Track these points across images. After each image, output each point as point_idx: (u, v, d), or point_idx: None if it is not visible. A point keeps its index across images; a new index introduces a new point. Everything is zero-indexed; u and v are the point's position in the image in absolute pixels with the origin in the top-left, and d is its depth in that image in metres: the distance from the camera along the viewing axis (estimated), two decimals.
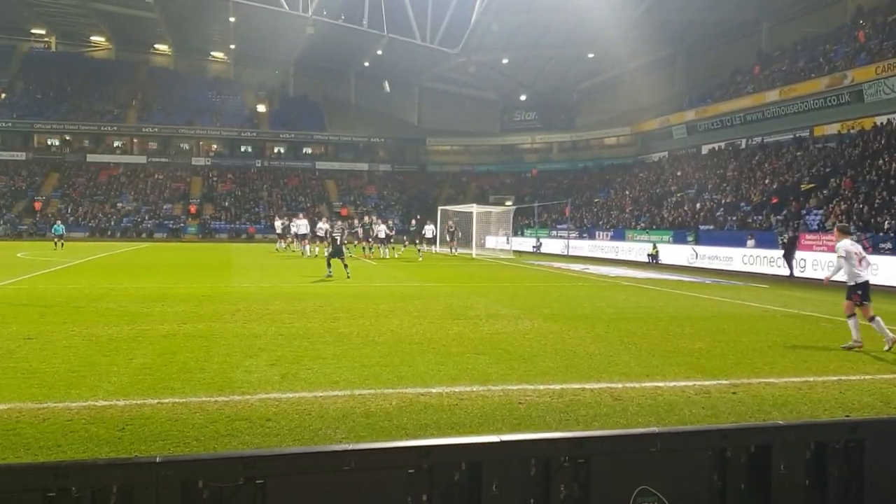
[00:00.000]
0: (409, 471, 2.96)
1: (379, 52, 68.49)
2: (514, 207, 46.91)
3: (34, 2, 67.92)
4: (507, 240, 43.24)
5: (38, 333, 11.14)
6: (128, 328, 11.82)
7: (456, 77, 74.61)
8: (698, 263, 32.82)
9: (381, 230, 35.68)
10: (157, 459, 2.84)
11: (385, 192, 73.98)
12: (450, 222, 41.91)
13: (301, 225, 36.44)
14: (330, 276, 22.20)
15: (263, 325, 12.27)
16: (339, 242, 22.81)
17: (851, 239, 12.01)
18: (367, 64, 74.18)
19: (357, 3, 61.05)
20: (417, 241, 38.44)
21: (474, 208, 41.72)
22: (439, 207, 46.96)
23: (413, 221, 44.54)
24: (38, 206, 62.05)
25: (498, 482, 3.14)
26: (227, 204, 67.82)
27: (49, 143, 72.88)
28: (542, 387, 8.11)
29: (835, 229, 11.92)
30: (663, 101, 60.19)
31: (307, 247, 34.88)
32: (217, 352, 9.91)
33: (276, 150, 77.98)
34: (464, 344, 10.76)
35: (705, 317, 14.77)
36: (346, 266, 22.50)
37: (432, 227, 39.24)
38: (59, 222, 43.78)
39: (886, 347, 10.64)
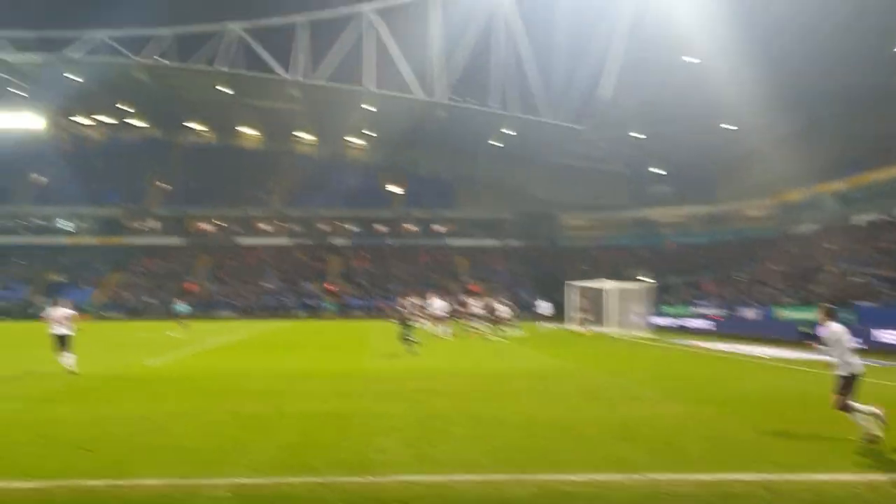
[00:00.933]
0: None
1: (507, 131, 69.80)
2: (651, 283, 45.54)
3: (193, 99, 74.21)
4: (644, 317, 41.88)
5: (188, 410, 11.67)
6: (270, 405, 12.19)
7: (586, 152, 74.64)
8: (859, 342, 30.41)
9: (503, 310, 35.36)
10: None
11: (515, 268, 74.09)
12: (580, 299, 41.17)
13: (435, 304, 36.41)
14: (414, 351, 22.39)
15: (397, 404, 12.32)
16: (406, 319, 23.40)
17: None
18: (496, 143, 75.68)
19: (485, 84, 62.86)
20: (538, 320, 37.70)
21: (607, 284, 40.84)
22: (568, 282, 46.33)
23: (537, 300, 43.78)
24: (191, 287, 66.28)
25: None
26: (362, 281, 69.94)
27: (203, 228, 78.31)
28: (689, 476, 7.63)
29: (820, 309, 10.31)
30: (808, 170, 57.56)
31: (440, 327, 34.52)
32: (353, 431, 10.01)
33: (408, 229, 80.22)
34: (602, 428, 10.36)
35: (876, 403, 13.60)
36: (412, 343, 22.63)
37: (548, 304, 38.28)
38: (181, 302, 45.57)
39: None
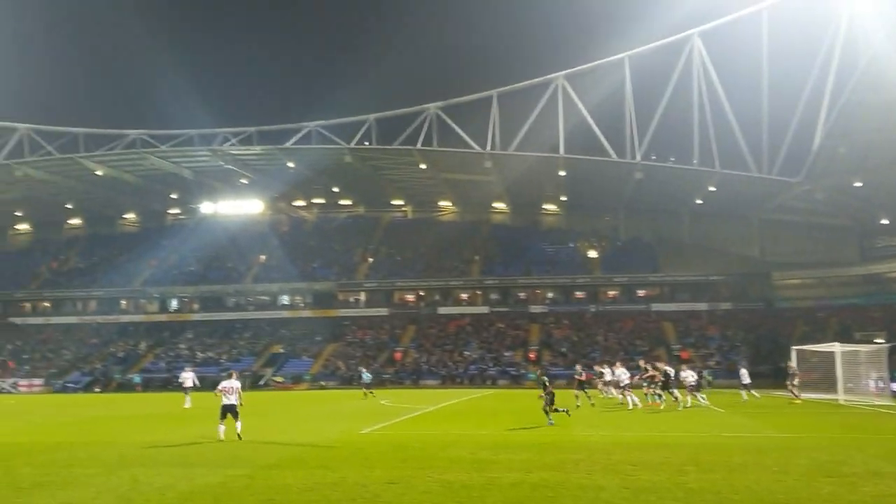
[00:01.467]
0: None
1: (712, 189, 66.91)
2: (889, 345, 40.97)
3: (396, 178, 78.61)
4: (883, 382, 37.67)
5: (399, 478, 11.87)
6: (478, 475, 12.11)
7: (801, 206, 69.55)
8: None
9: (688, 375, 32.91)
10: None
11: (728, 333, 69.79)
12: (790, 363, 37.73)
13: (621, 373, 34.23)
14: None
15: (608, 477, 11.79)
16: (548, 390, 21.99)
17: None
18: (699, 201, 72.73)
19: (686, 142, 60.95)
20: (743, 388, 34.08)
21: (837, 347, 37.28)
22: (793, 347, 42.80)
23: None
24: (398, 356, 68.75)
25: None
26: (563, 349, 69.00)
27: (406, 298, 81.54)
28: None
29: None
30: None
31: (630, 396, 31.90)
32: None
33: (609, 294, 78.45)
34: None
35: None
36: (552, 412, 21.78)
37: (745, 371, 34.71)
38: (365, 370, 47.20)
39: None
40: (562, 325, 73.81)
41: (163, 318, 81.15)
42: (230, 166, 71.41)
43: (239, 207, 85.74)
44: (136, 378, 66.71)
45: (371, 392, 41.51)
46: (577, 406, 28.66)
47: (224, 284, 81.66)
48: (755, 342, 66.10)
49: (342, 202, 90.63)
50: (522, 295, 79.28)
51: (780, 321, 69.01)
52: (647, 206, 78.04)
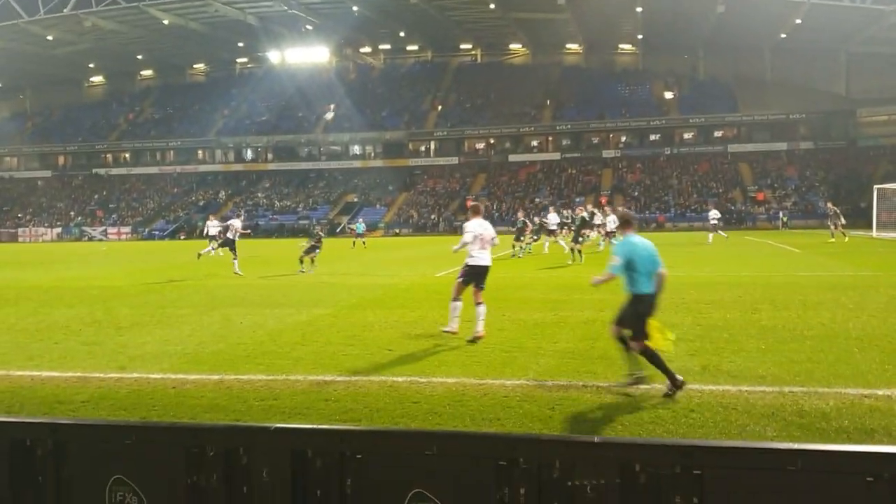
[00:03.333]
0: (868, 479, 2.61)
1: (798, 21, 62.68)
2: None
3: (464, 19, 76.00)
4: None
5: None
6: (550, 314, 12.55)
7: (893, 37, 64.88)
8: None
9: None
10: (595, 440, 2.90)
11: (807, 173, 67.66)
12: (829, 204, 36.64)
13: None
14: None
15: (680, 315, 12.03)
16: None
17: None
18: (783, 35, 68.43)
19: None
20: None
21: None
22: (876, 186, 41.43)
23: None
24: (469, 203, 69.53)
25: None
26: (636, 194, 68.34)
27: (476, 147, 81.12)
28: None
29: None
30: None
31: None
32: None
33: (685, 137, 76.28)
34: None
35: None
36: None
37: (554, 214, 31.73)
38: (361, 221, 48.29)
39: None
40: (635, 169, 72.72)
41: (238, 167, 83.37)
42: (294, 11, 70.03)
43: (306, 55, 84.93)
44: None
45: (362, 242, 41.77)
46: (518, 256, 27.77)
47: (296, 134, 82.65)
48: (835, 182, 64.09)
49: (409, 47, 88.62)
50: (595, 139, 77.89)
51: (862, 160, 66.38)
52: (727, 43, 73.85)
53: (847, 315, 11.71)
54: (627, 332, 7.36)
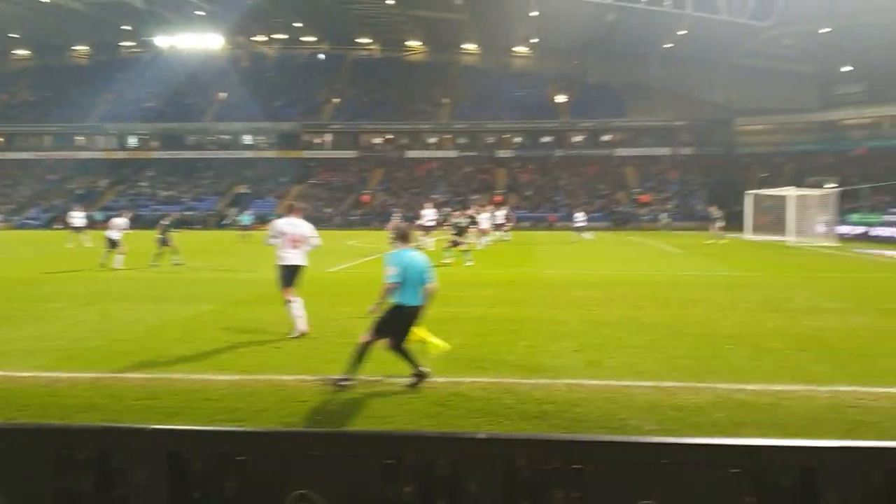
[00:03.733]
0: (733, 470, 2.71)
1: (682, 32, 65.68)
2: (837, 190, 42.24)
3: (362, 13, 75.37)
4: (829, 225, 39.10)
5: (366, 313, 12.32)
6: (444, 310, 12.56)
7: (767, 51, 68.86)
8: None
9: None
10: (479, 436, 2.90)
11: (688, 177, 70.98)
12: (712, 209, 39.39)
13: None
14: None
15: (568, 312, 12.38)
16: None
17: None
18: (669, 45, 71.52)
19: None
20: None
21: (789, 192, 38.37)
22: (748, 192, 43.88)
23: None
24: (365, 199, 69.01)
25: (835, 491, 2.76)
26: (529, 193, 69.81)
27: (373, 141, 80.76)
28: (878, 390, 7.19)
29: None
30: None
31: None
32: (524, 335, 10.20)
33: (575, 140, 78.50)
34: (783, 339, 9.92)
35: None
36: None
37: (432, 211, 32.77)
38: (247, 212, 47.64)
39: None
40: (527, 169, 74.25)
41: (122, 155, 79.63)
42: None
43: (197, 41, 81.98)
44: (98, 216, 66.36)
45: (246, 236, 39.82)
46: None
47: (184, 122, 79.82)
48: (713, 186, 67.45)
49: (306, 39, 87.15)
50: (490, 139, 79.01)
51: (738, 166, 70.25)
52: (617, 50, 76.51)
53: (721, 313, 12.34)
54: (386, 339, 7.62)
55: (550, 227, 61.33)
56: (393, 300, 7.62)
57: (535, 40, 78.98)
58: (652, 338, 10.02)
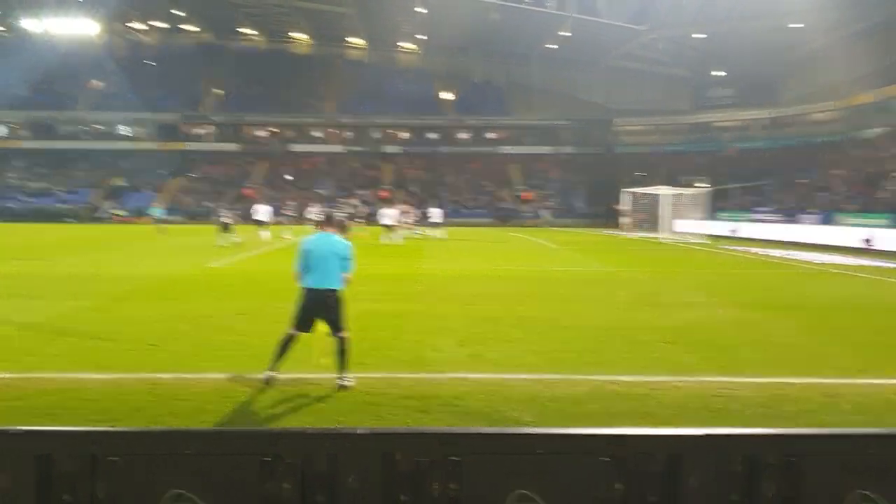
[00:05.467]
0: (604, 459, 2.88)
1: (564, 33, 67.64)
2: (708, 189, 44.69)
3: (243, 3, 73.41)
4: (699, 223, 41.31)
5: (249, 309, 12.11)
6: None
7: (645, 55, 72.05)
8: None
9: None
10: (358, 431, 2.95)
11: (569, 176, 73.24)
12: (619, 206, 41.51)
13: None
14: None
15: (451, 307, 12.57)
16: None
17: None
18: (551, 45, 73.49)
19: None
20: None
21: (661, 190, 40.29)
22: (623, 190, 45.76)
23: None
24: (249, 193, 67.36)
25: (698, 477, 2.98)
26: (415, 189, 70.11)
27: (257, 134, 78.86)
28: (741, 379, 7.69)
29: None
30: (879, 71, 54.72)
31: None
32: (408, 330, 10.30)
33: (461, 136, 79.42)
34: (653, 332, 10.42)
35: None
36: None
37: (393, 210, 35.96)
38: (157, 205, 46.78)
39: None
40: (414, 165, 74.52)
41: None
42: None
43: (70, 27, 77.40)
44: None
45: (163, 229, 39.67)
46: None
47: (55, 111, 75.41)
48: (593, 185, 69.86)
49: (187, 27, 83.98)
50: (377, 134, 78.75)
51: (616, 165, 73.00)
52: (501, 49, 77.93)
53: (597, 307, 12.86)
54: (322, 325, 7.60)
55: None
56: (304, 284, 7.56)
57: (422, 37, 79.31)
58: (531, 332, 10.32)
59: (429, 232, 37.32)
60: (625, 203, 43.84)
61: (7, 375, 7.52)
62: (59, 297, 13.43)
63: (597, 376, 7.73)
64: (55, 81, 76.80)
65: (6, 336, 9.65)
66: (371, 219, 37.87)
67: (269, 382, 7.24)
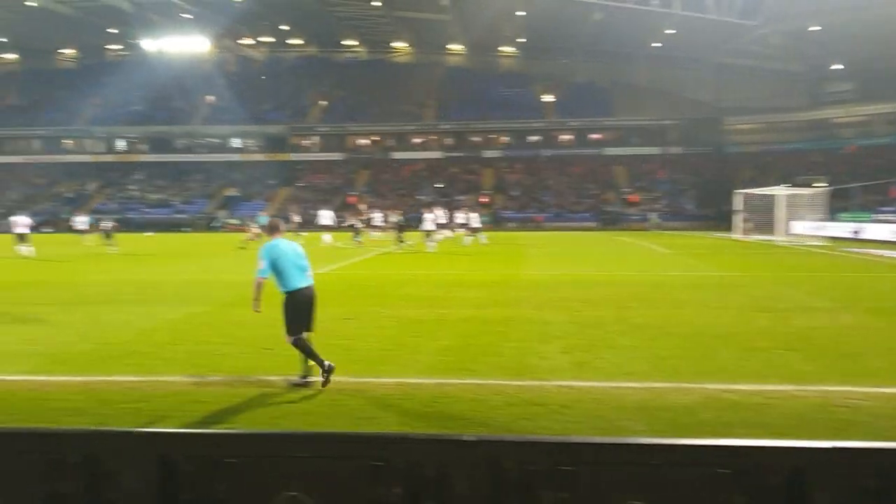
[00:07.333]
0: (721, 470, 2.69)
1: (670, 31, 65.88)
2: (827, 188, 42.41)
3: (348, 16, 75.27)
4: (818, 225, 39.27)
5: (354, 314, 12.28)
6: (431, 311, 12.57)
7: (757, 50, 69.20)
8: None
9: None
10: (465, 438, 2.88)
11: (677, 176, 71.19)
12: (732, 208, 39.99)
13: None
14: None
15: (556, 313, 12.34)
16: None
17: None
18: (657, 44, 71.70)
19: None
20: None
21: (778, 191, 38.52)
22: (735, 191, 44.04)
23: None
24: (352, 200, 68.93)
25: (825, 492, 2.74)
26: (516, 194, 69.85)
27: (360, 143, 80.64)
28: (868, 389, 7.18)
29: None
30: None
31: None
32: (512, 337, 10.16)
33: (563, 139, 78.58)
34: (772, 338, 9.90)
35: None
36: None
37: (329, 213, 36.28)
38: (263, 214, 47.97)
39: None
40: (515, 169, 74.28)
41: (110, 158, 79.33)
42: None
43: (184, 45, 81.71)
44: (89, 220, 65.91)
45: (260, 235, 41.36)
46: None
47: (172, 125, 79.58)
48: (703, 186, 67.68)
49: (292, 41, 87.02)
50: (477, 139, 79.03)
51: (727, 165, 70.48)
52: (604, 49, 76.71)
53: (711, 313, 12.34)
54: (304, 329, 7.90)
55: (538, 228, 61.42)
56: (282, 290, 7.86)
57: (522, 40, 79.11)
58: (641, 338, 10.00)
59: (466, 237, 35.90)
60: (738, 205, 42.15)
61: (131, 379, 7.87)
62: (175, 303, 14.02)
63: (710, 384, 7.40)
64: (171, 97, 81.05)
65: (129, 341, 10.13)
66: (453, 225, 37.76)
67: (306, 385, 7.49)
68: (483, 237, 35.65)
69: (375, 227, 39.90)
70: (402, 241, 31.29)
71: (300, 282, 7.92)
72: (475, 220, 35.77)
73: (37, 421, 6.35)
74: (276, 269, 7.82)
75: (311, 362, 7.63)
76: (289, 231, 31.51)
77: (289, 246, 8.02)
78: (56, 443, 2.95)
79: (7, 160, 79.11)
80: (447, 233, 35.54)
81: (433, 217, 31.91)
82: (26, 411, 6.66)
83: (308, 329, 7.87)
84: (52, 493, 2.90)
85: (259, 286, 7.95)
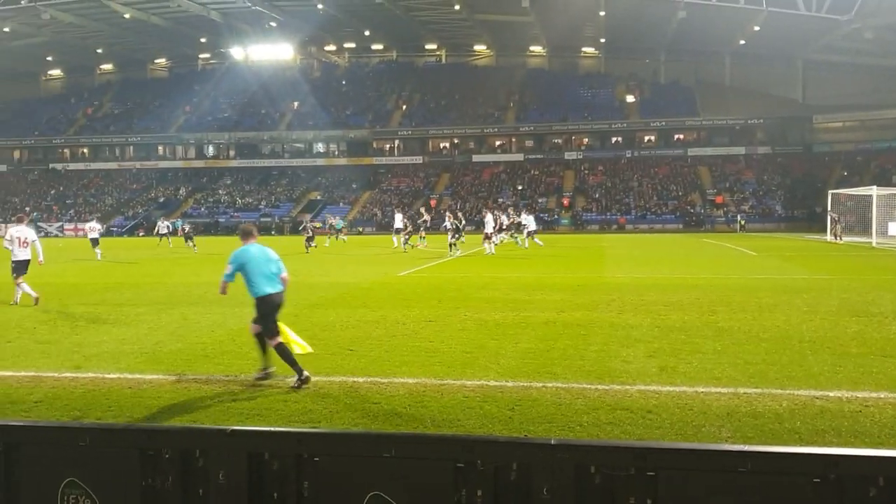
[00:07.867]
0: (815, 480, 2.68)
1: (756, 28, 63.89)
2: None
3: (429, 20, 76.01)
4: None
5: (436, 317, 12.43)
6: (512, 314, 12.61)
7: (848, 46, 66.30)
8: None
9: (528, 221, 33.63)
10: (552, 442, 2.94)
11: (765, 177, 68.98)
12: (826, 210, 38.33)
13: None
14: None
15: (639, 316, 12.19)
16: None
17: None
18: (742, 42, 69.66)
19: None
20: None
21: (874, 191, 36.88)
22: (830, 192, 42.39)
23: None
24: (433, 203, 69.48)
25: None
26: (597, 195, 69.02)
27: (441, 146, 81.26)
28: None
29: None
30: None
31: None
32: (594, 340, 10.10)
33: (646, 140, 77.26)
34: (866, 344, 9.54)
35: None
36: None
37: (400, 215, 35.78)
38: (339, 218, 49.19)
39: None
40: (596, 171, 73.42)
41: (200, 164, 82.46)
42: (258, 7, 69.34)
43: (269, 52, 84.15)
44: (179, 223, 68.57)
45: (343, 238, 43.35)
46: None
47: (259, 131, 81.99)
48: (791, 186, 65.42)
49: (374, 47, 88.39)
50: (558, 141, 78.53)
51: (817, 165, 67.88)
52: (688, 48, 75.08)
53: (801, 318, 11.95)
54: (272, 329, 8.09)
55: (621, 229, 60.55)
56: (254, 294, 8.05)
57: (603, 40, 78.17)
58: (727, 343, 9.79)
59: (522, 240, 35.41)
60: (829, 206, 40.57)
61: (222, 378, 8.21)
62: None
63: (801, 391, 7.20)
64: (258, 104, 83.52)
65: (219, 341, 10.54)
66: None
67: (302, 384, 7.62)
68: (538, 240, 34.94)
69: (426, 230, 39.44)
70: (454, 247, 30.82)
71: (267, 288, 8.06)
72: (531, 222, 35.30)
73: (134, 417, 6.68)
74: (244, 274, 8.04)
75: (270, 355, 8.00)
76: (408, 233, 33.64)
77: (260, 252, 8.19)
78: (152, 439, 3.16)
79: (104, 166, 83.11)
80: (503, 236, 35.24)
81: (492, 220, 31.71)
82: (123, 408, 7.01)
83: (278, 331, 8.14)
84: (148, 487, 3.10)
85: (223, 288, 8.35)
